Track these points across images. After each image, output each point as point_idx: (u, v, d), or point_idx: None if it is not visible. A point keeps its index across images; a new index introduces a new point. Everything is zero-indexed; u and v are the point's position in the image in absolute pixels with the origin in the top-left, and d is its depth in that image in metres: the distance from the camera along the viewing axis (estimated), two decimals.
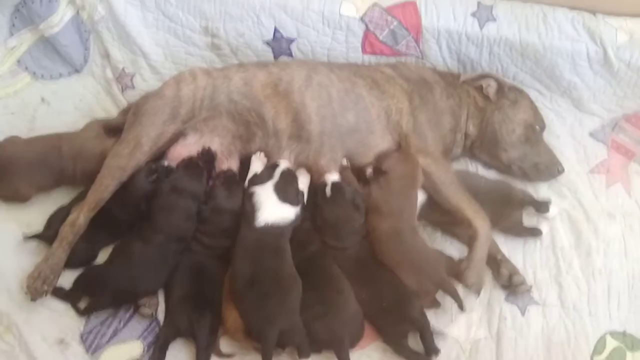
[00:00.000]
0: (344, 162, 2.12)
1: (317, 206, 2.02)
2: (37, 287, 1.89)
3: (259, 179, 2.00)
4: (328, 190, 2.01)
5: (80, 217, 1.95)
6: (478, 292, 1.96)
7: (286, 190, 1.98)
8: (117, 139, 2.09)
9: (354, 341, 1.86)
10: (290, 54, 2.38)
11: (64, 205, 2.08)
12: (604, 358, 1.92)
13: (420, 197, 2.08)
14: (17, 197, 2.12)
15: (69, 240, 1.94)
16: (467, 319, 1.96)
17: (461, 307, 1.89)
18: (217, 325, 1.89)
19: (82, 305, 1.93)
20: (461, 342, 1.93)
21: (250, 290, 1.84)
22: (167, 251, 1.94)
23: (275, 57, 2.39)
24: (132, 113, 2.13)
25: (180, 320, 1.86)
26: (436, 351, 1.85)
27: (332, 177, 2.04)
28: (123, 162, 2.01)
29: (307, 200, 2.02)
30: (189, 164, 2.05)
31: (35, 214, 2.10)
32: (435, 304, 1.96)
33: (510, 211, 2.12)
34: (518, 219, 2.12)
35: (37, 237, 2.02)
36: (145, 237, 1.95)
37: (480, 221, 1.99)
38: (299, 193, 2.01)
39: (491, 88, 2.25)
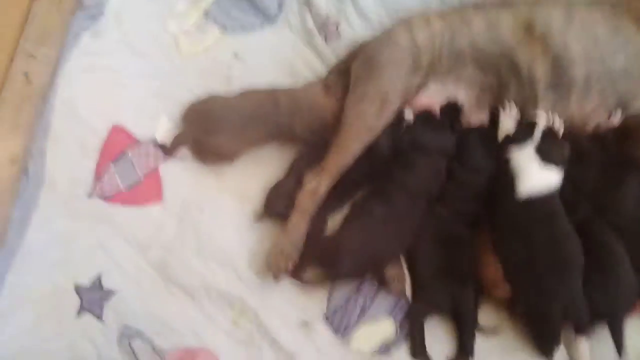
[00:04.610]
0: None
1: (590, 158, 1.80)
2: (280, 265, 1.74)
3: (515, 139, 1.79)
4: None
5: (322, 185, 1.78)
6: None
7: (550, 150, 1.75)
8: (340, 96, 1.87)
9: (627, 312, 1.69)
10: None
11: (283, 177, 1.89)
12: None
13: None
14: (226, 155, 1.92)
15: (310, 211, 1.78)
16: None
17: None
18: (479, 299, 1.74)
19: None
20: None
21: (527, 271, 1.67)
22: (411, 211, 1.77)
23: None
24: (363, 66, 1.88)
25: (438, 295, 1.72)
26: None
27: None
28: (371, 121, 1.79)
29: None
30: (429, 116, 1.86)
31: (250, 183, 1.90)
32: None
33: None
34: None
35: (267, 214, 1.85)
36: (385, 197, 1.78)
37: None
38: (564, 152, 1.77)
39: None
